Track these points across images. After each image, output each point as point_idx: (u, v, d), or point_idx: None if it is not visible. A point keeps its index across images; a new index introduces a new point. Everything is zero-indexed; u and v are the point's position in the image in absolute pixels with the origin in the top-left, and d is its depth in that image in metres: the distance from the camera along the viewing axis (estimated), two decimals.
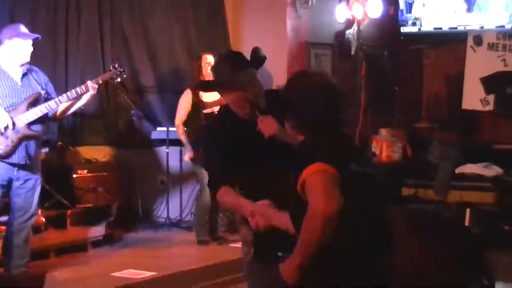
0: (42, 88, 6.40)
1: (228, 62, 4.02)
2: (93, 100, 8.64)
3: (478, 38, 9.27)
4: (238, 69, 3.97)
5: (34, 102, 6.31)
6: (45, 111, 6.32)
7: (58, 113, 6.57)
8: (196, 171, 8.08)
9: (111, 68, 7.10)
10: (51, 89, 6.55)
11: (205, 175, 7.86)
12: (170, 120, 8.36)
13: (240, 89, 3.92)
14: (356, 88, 9.80)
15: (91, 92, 6.59)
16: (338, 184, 3.19)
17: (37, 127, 6.36)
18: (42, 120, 6.39)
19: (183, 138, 8.00)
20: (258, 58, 4.14)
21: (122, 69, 7.10)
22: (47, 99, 6.39)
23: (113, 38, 9.14)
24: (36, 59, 8.23)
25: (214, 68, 4.13)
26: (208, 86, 4.73)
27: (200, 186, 8.00)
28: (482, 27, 9.46)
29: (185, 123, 7.96)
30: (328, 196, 3.14)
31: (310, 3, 9.40)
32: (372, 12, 9.72)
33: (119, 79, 7.19)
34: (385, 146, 9.60)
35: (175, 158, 8.82)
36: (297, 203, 3.25)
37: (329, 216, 3.10)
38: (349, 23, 9.80)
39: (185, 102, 7.93)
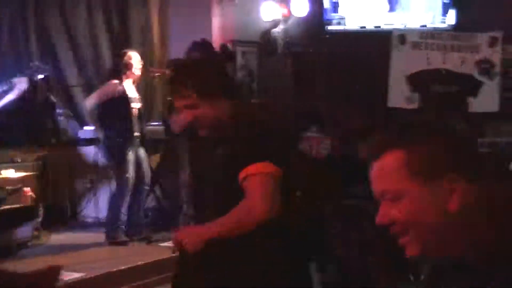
0: None
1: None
2: (18, 99, 8.58)
3: (402, 37, 9.41)
4: None
5: None
6: None
7: None
8: (111, 171, 8.07)
9: (31, 66, 7.02)
10: None
11: (120, 175, 7.86)
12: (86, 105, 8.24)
13: None
14: (283, 86, 9.85)
15: (20, 87, 6.49)
16: (279, 184, 3.30)
17: None
18: None
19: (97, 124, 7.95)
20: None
21: (41, 66, 7.03)
22: None
23: (37, 35, 9.01)
24: None
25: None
26: None
27: (116, 186, 7.96)
28: (406, 26, 9.64)
29: (108, 116, 7.85)
30: (267, 200, 3.28)
31: (236, 0, 9.42)
32: (298, 11, 9.78)
33: (40, 76, 7.09)
34: (314, 143, 9.68)
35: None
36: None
37: (264, 219, 3.26)
38: (276, 21, 9.85)
39: (111, 89, 7.81)
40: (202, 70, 3.52)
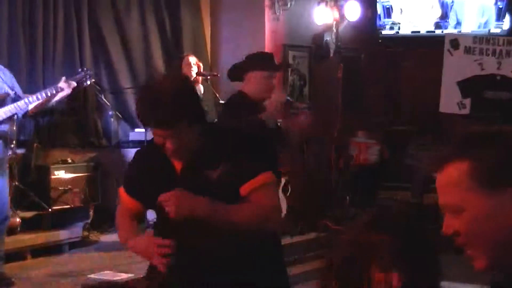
0: (10, 88, 6.34)
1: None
2: (70, 100, 8.67)
3: (455, 42, 9.31)
4: None
5: (1, 103, 6.26)
6: (14, 111, 6.27)
7: (30, 111, 6.51)
8: None
9: (80, 71, 7.08)
10: (18, 88, 6.50)
11: None
12: None
13: None
14: (334, 91, 9.82)
15: (66, 92, 6.55)
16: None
17: (5, 127, 6.29)
18: (10, 119, 6.33)
19: None
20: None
21: (90, 72, 7.08)
22: (15, 99, 6.33)
23: (91, 38, 9.10)
24: (13, 58, 8.25)
25: None
26: None
27: None
28: (459, 32, 9.56)
29: None
30: (278, 209, 3.48)
31: (288, 5, 9.43)
32: (350, 15, 9.75)
33: (88, 82, 7.16)
34: (362, 149, 9.64)
35: None
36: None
37: (276, 226, 3.44)
38: (327, 26, 9.82)
39: None
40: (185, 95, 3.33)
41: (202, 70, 8.62)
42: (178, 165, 3.37)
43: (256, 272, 3.42)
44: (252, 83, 5.63)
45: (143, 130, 8.63)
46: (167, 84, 3.27)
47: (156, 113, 3.15)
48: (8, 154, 6.54)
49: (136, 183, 3.53)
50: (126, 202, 3.61)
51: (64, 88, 6.53)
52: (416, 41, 10.02)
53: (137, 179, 3.53)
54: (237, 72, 5.81)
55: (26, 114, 6.54)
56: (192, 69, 7.95)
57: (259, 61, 5.84)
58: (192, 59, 7.97)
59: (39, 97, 6.42)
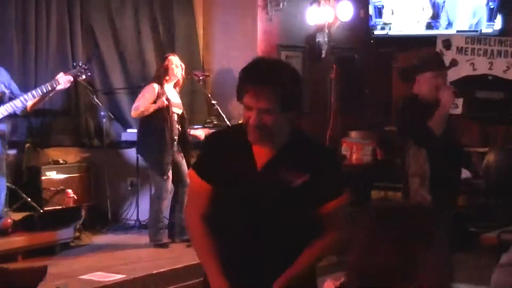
0: (6, 87, 6.35)
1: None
2: (62, 101, 8.67)
3: (447, 42, 9.33)
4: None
5: None
6: (10, 110, 6.28)
7: (28, 108, 6.52)
8: (150, 175, 8.10)
9: (76, 66, 7.08)
10: (14, 87, 6.50)
11: (159, 179, 7.92)
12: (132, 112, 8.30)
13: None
14: (327, 91, 9.83)
15: (62, 86, 6.56)
16: None
17: (3, 126, 6.30)
18: (7, 119, 6.33)
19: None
20: None
21: (86, 67, 7.08)
22: (11, 98, 6.33)
23: (83, 38, 9.09)
24: (6, 56, 8.24)
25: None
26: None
27: (155, 189, 8.01)
28: (451, 32, 9.59)
29: (148, 119, 7.89)
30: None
31: (281, 5, 9.42)
32: (343, 16, 9.75)
33: (83, 76, 7.16)
34: (355, 149, 9.65)
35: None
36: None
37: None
38: (320, 26, 9.83)
39: (150, 94, 7.86)
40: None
41: (193, 71, 8.64)
42: (259, 159, 3.30)
43: None
44: (421, 84, 6.00)
45: (135, 130, 8.63)
46: (281, 65, 3.28)
47: (258, 80, 3.13)
48: (6, 154, 6.56)
49: (212, 167, 3.40)
50: (198, 186, 3.44)
51: (61, 82, 6.54)
52: (408, 41, 10.03)
53: (215, 163, 3.40)
54: (408, 74, 6.43)
55: (24, 112, 6.54)
56: (176, 69, 7.93)
57: (427, 61, 6.22)
58: (176, 60, 7.95)
59: (35, 94, 6.44)
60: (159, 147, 7.79)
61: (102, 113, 8.73)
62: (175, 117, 7.94)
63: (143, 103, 7.81)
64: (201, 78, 8.79)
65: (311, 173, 3.25)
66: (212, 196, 3.40)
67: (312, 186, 3.24)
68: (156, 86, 7.85)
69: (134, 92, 8.93)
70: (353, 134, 9.86)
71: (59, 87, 6.65)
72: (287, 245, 3.29)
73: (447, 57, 9.20)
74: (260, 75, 3.15)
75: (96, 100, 8.74)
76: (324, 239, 3.33)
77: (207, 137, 3.62)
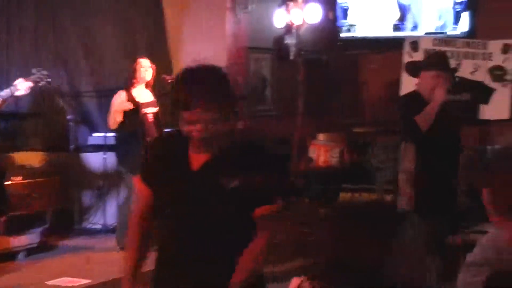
0: None
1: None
2: (28, 105, 8.59)
3: (415, 44, 9.36)
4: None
5: None
6: None
7: None
8: (124, 176, 8.05)
9: (36, 72, 7.02)
10: None
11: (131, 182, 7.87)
12: (108, 125, 8.28)
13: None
14: (295, 93, 9.83)
15: (22, 92, 6.51)
16: None
17: None
18: None
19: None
20: None
21: (46, 73, 7.03)
22: None
23: (50, 41, 9.03)
24: None
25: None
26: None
27: (128, 192, 7.96)
28: (418, 34, 9.64)
29: (122, 125, 7.87)
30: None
31: (249, 8, 9.42)
32: (311, 18, 9.75)
33: (43, 83, 7.11)
34: (322, 151, 9.65)
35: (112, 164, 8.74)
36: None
37: None
38: (288, 28, 9.82)
39: (118, 103, 7.84)
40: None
41: (163, 74, 8.61)
42: (196, 162, 3.32)
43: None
44: (422, 81, 6.16)
45: (102, 134, 8.58)
46: (214, 68, 3.27)
47: (197, 93, 3.12)
48: None
49: (152, 172, 3.46)
50: (140, 191, 3.54)
51: (20, 88, 6.48)
52: (375, 43, 10.07)
53: (154, 168, 3.45)
54: (413, 69, 6.51)
55: None
56: (146, 72, 7.90)
57: (431, 60, 6.41)
58: (145, 62, 7.92)
59: None
60: (134, 148, 7.73)
61: (69, 116, 8.66)
62: (150, 116, 7.89)
63: (112, 113, 7.79)
64: (169, 81, 8.75)
65: (245, 176, 3.27)
66: (155, 199, 3.45)
67: (246, 190, 3.26)
68: (121, 92, 7.82)
69: (101, 95, 8.88)
70: (321, 136, 9.86)
71: (17, 93, 6.59)
72: (222, 247, 3.33)
73: (414, 59, 9.23)
74: (200, 87, 3.15)
75: (62, 103, 8.67)
76: (258, 241, 3.36)
77: (150, 142, 3.66)
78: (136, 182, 3.60)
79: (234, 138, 3.34)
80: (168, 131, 3.63)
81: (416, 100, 6.15)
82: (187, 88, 3.15)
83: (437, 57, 6.77)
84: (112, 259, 7.78)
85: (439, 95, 6.03)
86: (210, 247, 3.34)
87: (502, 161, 2.11)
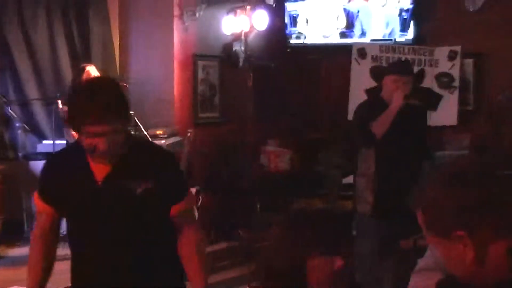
0: None
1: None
2: None
3: (362, 51, 9.46)
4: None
5: None
6: None
7: None
8: None
9: None
10: None
11: None
12: (56, 132, 8.21)
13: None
14: (244, 100, 9.85)
15: None
16: None
17: None
18: None
19: None
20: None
21: None
22: None
23: None
24: None
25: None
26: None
27: None
28: (365, 41, 9.74)
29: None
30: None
31: (197, 15, 9.41)
32: (259, 25, 9.80)
33: None
34: (273, 157, 9.69)
35: None
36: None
37: None
38: (237, 35, 9.85)
39: (62, 113, 7.80)
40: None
41: None
42: (99, 173, 3.32)
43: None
44: (384, 86, 6.33)
45: (51, 142, 8.50)
46: (106, 81, 3.27)
47: (99, 106, 3.10)
48: None
49: (52, 189, 3.44)
50: (41, 209, 3.53)
51: None
52: (323, 50, 10.15)
53: (53, 185, 3.44)
54: (377, 74, 7.03)
55: None
56: None
57: (393, 65, 6.70)
58: (92, 70, 7.89)
59: None
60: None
61: (17, 124, 8.58)
62: None
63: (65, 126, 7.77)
64: None
65: (152, 179, 3.32)
66: (60, 216, 3.49)
67: (156, 191, 3.31)
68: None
69: (49, 103, 8.81)
70: (271, 142, 9.91)
71: None
72: (144, 252, 3.39)
73: (361, 66, 9.33)
74: (103, 100, 3.13)
75: (10, 111, 8.58)
76: (188, 238, 3.47)
77: (46, 158, 3.59)
78: (36, 200, 3.56)
79: (130, 143, 3.34)
80: (65, 146, 3.63)
81: (377, 105, 6.21)
82: (90, 102, 3.12)
83: (398, 62, 6.88)
84: (64, 268, 7.69)
85: (396, 100, 6.09)
86: (132, 254, 3.38)
87: (430, 177, 2.15)
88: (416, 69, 9.25)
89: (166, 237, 3.45)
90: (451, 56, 9.27)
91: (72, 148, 3.47)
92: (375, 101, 6.42)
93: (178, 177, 3.50)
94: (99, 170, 3.32)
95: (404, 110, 6.17)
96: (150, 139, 7.67)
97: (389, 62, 9.05)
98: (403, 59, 8.59)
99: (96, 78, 3.36)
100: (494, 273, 1.96)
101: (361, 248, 6.11)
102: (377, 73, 6.77)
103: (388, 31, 9.80)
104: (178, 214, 3.42)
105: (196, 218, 3.63)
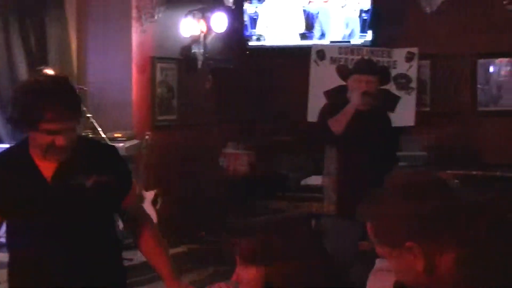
0: None
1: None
2: None
3: (321, 53, 9.46)
4: None
5: None
6: None
7: None
8: None
9: None
10: None
11: None
12: (13, 136, 8.11)
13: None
14: (204, 103, 9.82)
15: None
16: None
17: None
18: None
19: None
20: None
21: None
22: None
23: None
24: None
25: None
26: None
27: None
28: (325, 43, 9.75)
29: None
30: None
31: (155, 17, 9.35)
32: (217, 27, 9.76)
33: None
34: (232, 159, 9.66)
35: None
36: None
37: None
38: (195, 38, 9.81)
39: None
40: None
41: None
42: (46, 171, 3.31)
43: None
44: (348, 85, 6.49)
45: (7, 145, 8.38)
46: (60, 80, 3.27)
47: (59, 103, 3.13)
48: None
49: None
50: None
51: None
52: (283, 52, 10.15)
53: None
54: (343, 73, 7.10)
55: None
56: None
57: (357, 65, 6.88)
58: (50, 73, 7.80)
59: None
60: None
61: None
62: None
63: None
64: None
65: (100, 172, 3.34)
66: (12, 222, 3.42)
67: (105, 184, 3.34)
68: None
69: (3, 106, 8.70)
70: (230, 145, 9.88)
71: None
72: (98, 247, 3.40)
73: (320, 68, 9.33)
74: (58, 98, 3.16)
75: None
76: (148, 232, 3.54)
77: None
78: None
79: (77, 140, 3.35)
80: (10, 147, 3.58)
81: (342, 105, 6.23)
82: (49, 99, 3.14)
83: (362, 62, 6.89)
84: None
85: (355, 99, 6.11)
86: (82, 252, 3.35)
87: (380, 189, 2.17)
88: None
89: (113, 236, 3.46)
90: (409, 58, 9.31)
91: (14, 149, 3.43)
92: (339, 101, 6.43)
93: (124, 169, 3.52)
94: (46, 168, 3.31)
95: (369, 110, 6.18)
96: (109, 142, 7.60)
97: (348, 63, 9.09)
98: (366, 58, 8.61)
99: (48, 76, 3.35)
100: (443, 283, 1.98)
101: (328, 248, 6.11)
102: (343, 71, 6.78)
103: (348, 32, 9.82)
104: (131, 206, 3.45)
105: (145, 210, 3.65)
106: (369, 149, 6.29)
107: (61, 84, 3.24)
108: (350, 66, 8.74)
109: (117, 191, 3.40)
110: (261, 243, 2.44)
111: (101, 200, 3.33)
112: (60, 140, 3.17)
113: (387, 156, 6.51)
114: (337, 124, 6.13)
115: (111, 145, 3.73)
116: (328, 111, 6.45)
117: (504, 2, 9.23)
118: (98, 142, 3.60)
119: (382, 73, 7.48)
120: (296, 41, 10.06)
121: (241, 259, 2.47)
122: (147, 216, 3.63)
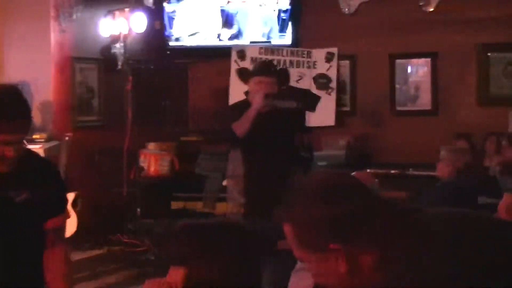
0: None
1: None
2: None
3: (242, 53, 9.50)
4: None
5: None
6: None
7: None
8: None
9: None
10: None
11: None
12: None
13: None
14: (123, 103, 9.75)
15: None
16: None
17: None
18: None
19: None
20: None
21: None
22: None
23: None
24: None
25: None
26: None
27: None
28: (244, 43, 9.78)
29: None
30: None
31: (74, 16, 9.24)
32: (137, 27, 9.70)
33: None
34: (153, 160, 9.61)
35: None
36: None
37: None
38: (115, 38, 9.73)
39: None
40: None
41: None
42: None
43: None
44: (249, 87, 6.40)
45: None
46: (10, 89, 3.18)
47: (13, 114, 3.04)
48: None
49: None
50: None
51: None
52: (203, 52, 10.14)
53: None
54: (243, 75, 7.24)
55: None
56: None
57: (256, 67, 6.79)
58: None
59: None
60: None
61: None
62: None
63: None
64: None
65: (33, 190, 3.26)
66: None
67: (35, 202, 3.25)
68: None
69: None
70: (151, 145, 9.83)
71: None
72: (18, 262, 3.31)
73: (242, 67, 9.37)
74: (10, 108, 3.07)
75: None
76: (56, 256, 3.43)
77: None
78: None
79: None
80: None
81: (243, 107, 6.25)
82: (1, 110, 3.05)
83: (261, 64, 6.95)
84: None
85: (256, 101, 6.14)
86: (6, 262, 3.29)
87: (296, 192, 2.18)
88: (295, 71, 9.38)
89: (37, 251, 3.40)
90: (328, 58, 9.43)
91: None
92: (243, 104, 6.45)
93: (59, 191, 3.44)
94: None
95: (273, 111, 6.21)
96: (27, 143, 7.47)
97: None
98: (266, 61, 8.68)
99: (6, 86, 3.24)
100: (366, 284, 2.01)
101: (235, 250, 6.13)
102: (243, 74, 6.86)
103: (266, 31, 9.85)
104: (53, 229, 3.37)
105: (64, 237, 3.58)
106: (273, 149, 6.31)
107: (13, 93, 3.16)
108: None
109: (44, 211, 3.31)
110: (186, 245, 2.44)
111: (26, 216, 3.26)
112: (9, 152, 3.09)
113: (292, 156, 6.56)
114: (240, 127, 6.14)
115: (50, 162, 3.61)
116: (233, 115, 6.46)
117: (420, 4, 9.41)
118: (39, 158, 3.49)
119: (281, 74, 7.56)
120: (215, 41, 10.05)
121: (170, 260, 2.47)
122: (63, 242, 3.53)
